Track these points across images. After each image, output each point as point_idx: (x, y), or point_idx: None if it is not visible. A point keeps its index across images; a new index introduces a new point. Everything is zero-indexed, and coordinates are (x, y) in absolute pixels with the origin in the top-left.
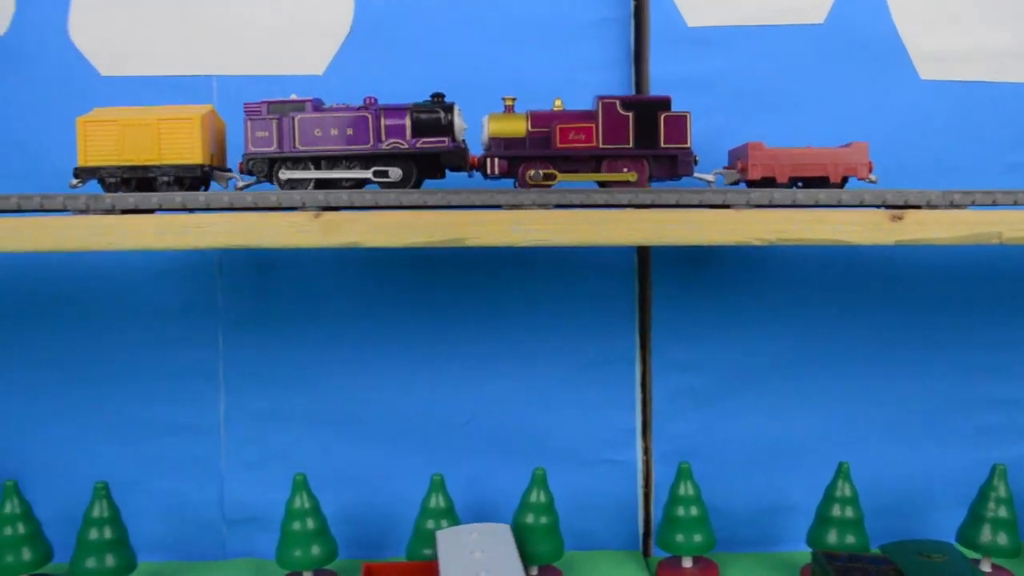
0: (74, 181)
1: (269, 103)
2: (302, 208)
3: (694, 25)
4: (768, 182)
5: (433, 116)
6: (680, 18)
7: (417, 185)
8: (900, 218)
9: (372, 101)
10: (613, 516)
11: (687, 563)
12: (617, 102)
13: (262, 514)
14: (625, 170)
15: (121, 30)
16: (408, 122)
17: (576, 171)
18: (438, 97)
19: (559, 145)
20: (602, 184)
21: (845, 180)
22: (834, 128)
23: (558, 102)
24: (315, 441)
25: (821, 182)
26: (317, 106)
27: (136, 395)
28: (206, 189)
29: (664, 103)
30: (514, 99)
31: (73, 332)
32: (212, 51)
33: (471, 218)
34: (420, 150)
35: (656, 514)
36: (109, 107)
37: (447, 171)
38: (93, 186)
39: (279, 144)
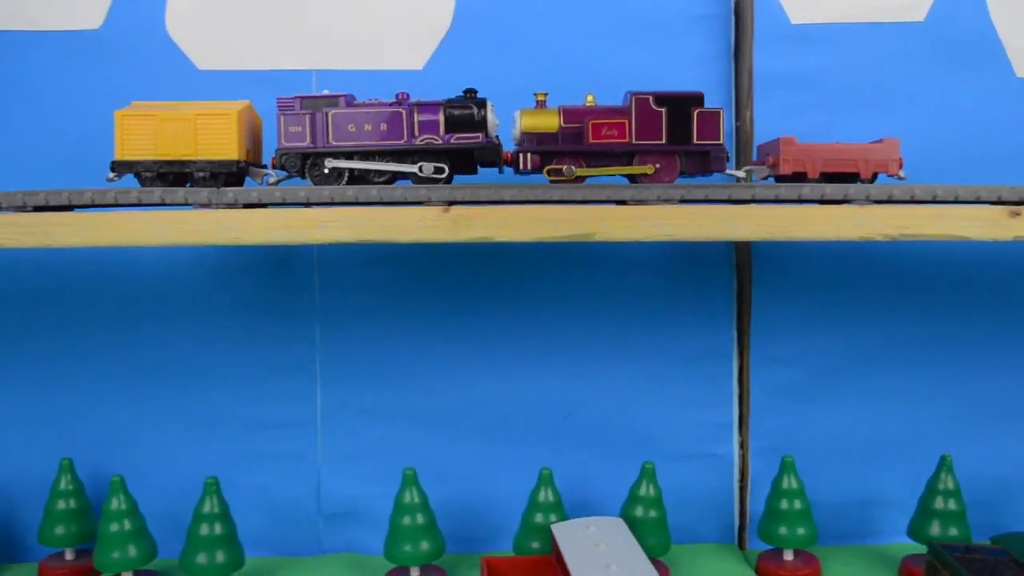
0: (111, 175)
1: (302, 98)
2: (428, 203)
3: (798, 22)
4: (799, 177)
5: (466, 112)
6: (784, 15)
7: (448, 181)
8: (1018, 214)
9: (405, 97)
10: (708, 510)
11: (788, 556)
12: (650, 98)
13: (359, 509)
14: (657, 166)
15: (219, 23)
16: (441, 118)
17: (608, 166)
18: (471, 93)
19: (591, 141)
20: (631, 178)
21: (875, 176)
22: (931, 125)
23: (590, 97)
24: (411, 436)
25: (851, 178)
26: (350, 101)
27: (234, 391)
28: (240, 185)
29: (697, 99)
30: (546, 94)
31: (173, 329)
32: (311, 45)
33: (600, 213)
34: (453, 146)
35: (752, 508)
36: (148, 101)
37: (479, 167)
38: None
39: (312, 139)
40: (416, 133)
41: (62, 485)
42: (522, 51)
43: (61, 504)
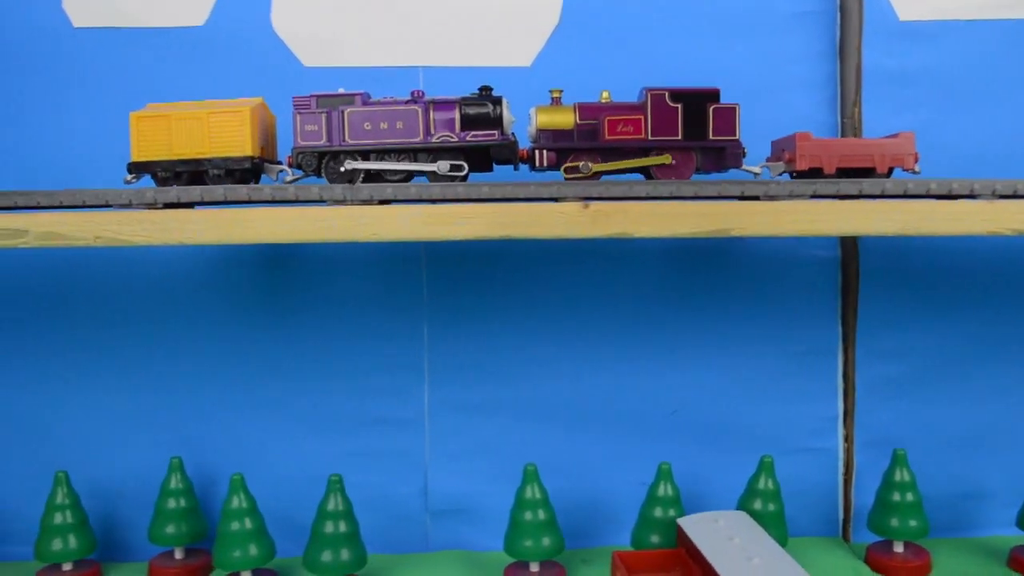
0: (128, 177)
1: (318, 96)
2: (567, 199)
3: (906, 19)
4: (815, 173)
5: (482, 109)
6: (892, 12)
7: (464, 179)
8: None
9: (420, 95)
10: (812, 503)
11: (899, 548)
12: (666, 93)
13: (466, 506)
14: (672, 161)
15: (325, 20)
16: (457, 115)
17: (616, 162)
18: (486, 90)
19: (607, 137)
20: (647, 174)
21: (891, 171)
22: None
23: (605, 94)
24: (518, 432)
25: (867, 173)
26: (366, 100)
27: (342, 389)
28: (256, 182)
29: (713, 95)
30: (560, 91)
31: (281, 326)
32: (418, 41)
33: (736, 208)
34: (469, 143)
35: (856, 500)
36: (161, 103)
37: (495, 165)
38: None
39: (328, 138)
40: (432, 131)
41: (172, 484)
42: (628, 48)
43: (172, 503)
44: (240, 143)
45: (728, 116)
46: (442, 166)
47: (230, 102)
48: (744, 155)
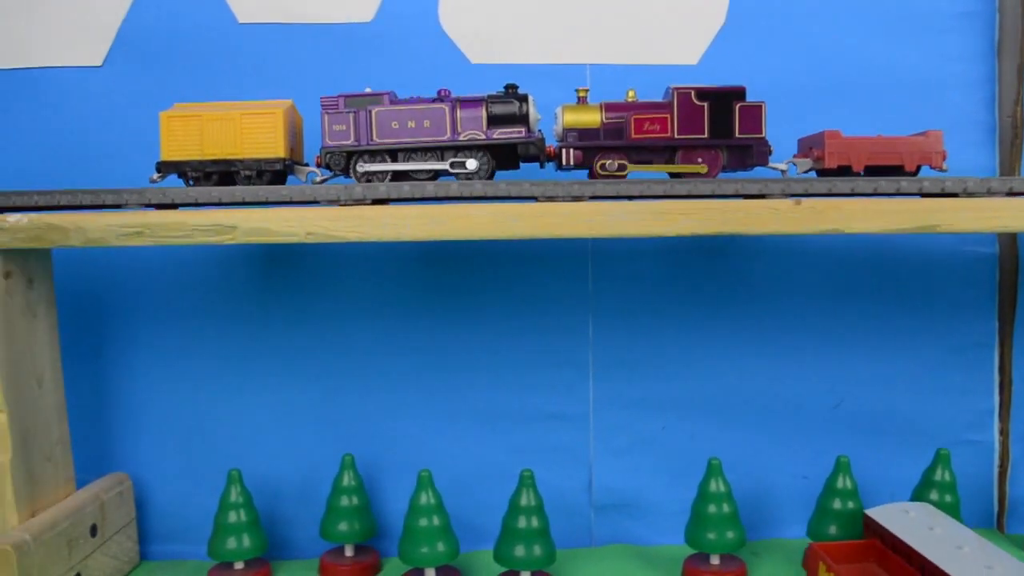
0: (155, 176)
1: (346, 97)
2: (771, 196)
3: None
4: (844, 170)
5: (508, 107)
6: None
7: (491, 176)
8: None
9: (447, 93)
10: (969, 495)
11: None
12: (692, 92)
13: (630, 500)
14: (700, 160)
15: (492, 17)
16: (484, 113)
17: (650, 162)
18: (512, 88)
19: (634, 136)
20: (674, 175)
21: (919, 168)
22: None
23: (631, 93)
24: (682, 427)
25: (896, 171)
26: (393, 99)
27: (508, 385)
28: (283, 183)
29: (739, 93)
30: (587, 89)
31: (448, 323)
32: (585, 39)
33: (941, 205)
34: (496, 141)
35: (1012, 493)
36: (190, 103)
37: (522, 163)
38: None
39: (356, 137)
40: (459, 129)
41: (345, 481)
42: (793, 46)
43: (344, 500)
44: (273, 144)
45: (754, 114)
46: (469, 164)
47: (262, 103)
48: (771, 153)
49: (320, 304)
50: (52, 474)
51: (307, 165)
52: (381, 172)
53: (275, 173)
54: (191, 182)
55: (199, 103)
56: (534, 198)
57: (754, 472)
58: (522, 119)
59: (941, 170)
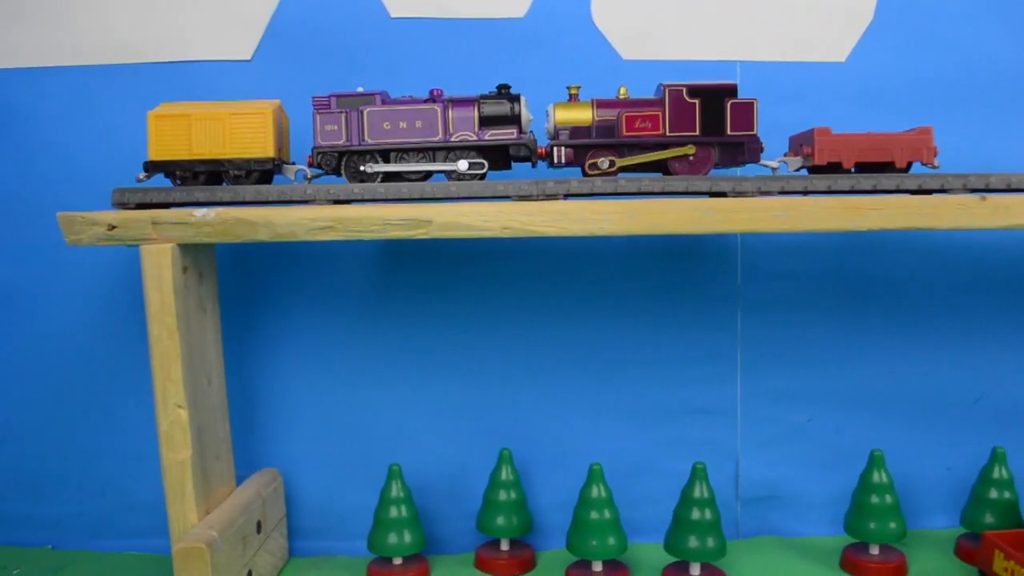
0: (141, 175)
1: (338, 96)
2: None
3: None
4: (834, 167)
5: (500, 108)
6: None
7: (483, 177)
8: None
9: (439, 93)
10: None
11: None
12: (684, 89)
13: (777, 493)
14: (691, 157)
15: (644, 13)
16: (475, 114)
17: (637, 156)
18: (504, 88)
19: (625, 133)
20: (665, 171)
21: (909, 165)
22: None
23: (623, 90)
24: (827, 419)
25: (886, 167)
26: (386, 99)
27: (656, 379)
28: (270, 182)
29: (730, 90)
30: (578, 87)
31: (590, 316)
32: (735, 36)
33: None
34: (488, 142)
35: None
36: (178, 102)
37: (513, 163)
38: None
39: (348, 137)
40: (451, 130)
41: (503, 476)
42: (942, 43)
43: (502, 495)
44: (262, 144)
45: (746, 111)
46: (461, 164)
47: (250, 103)
48: (762, 150)
49: (468, 300)
50: (219, 471)
51: (294, 163)
52: (374, 172)
53: (263, 173)
54: (178, 182)
55: (187, 102)
56: (723, 193)
57: (898, 463)
58: (514, 120)
59: (933, 166)
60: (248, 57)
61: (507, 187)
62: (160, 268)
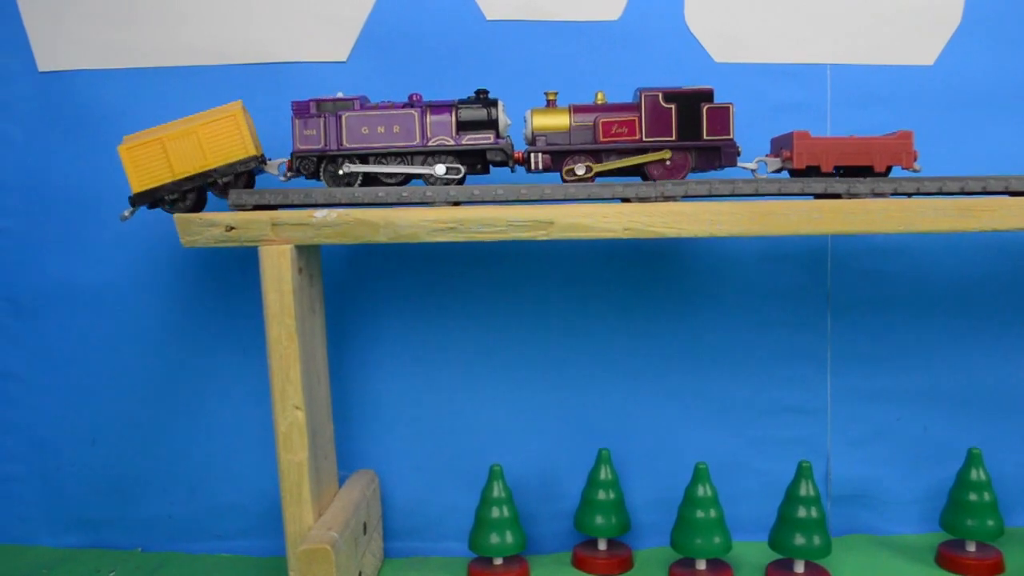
0: (126, 212)
1: (317, 101)
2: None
3: None
4: (813, 171)
5: (477, 113)
6: None
7: (462, 181)
8: None
9: (417, 98)
10: None
11: None
12: (659, 95)
13: (867, 491)
14: (667, 162)
15: (736, 16)
16: (453, 119)
17: (615, 162)
18: (482, 93)
19: (602, 139)
20: (644, 176)
21: (889, 169)
22: None
23: (600, 95)
24: (916, 419)
25: (865, 171)
26: (364, 104)
27: (746, 379)
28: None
29: (707, 95)
30: (556, 93)
31: (681, 316)
32: (825, 39)
33: None
34: (465, 147)
35: None
36: (140, 130)
37: (491, 167)
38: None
39: (326, 142)
40: (428, 134)
41: (602, 475)
42: None
43: (600, 494)
44: (242, 145)
45: (722, 116)
46: (438, 169)
47: (215, 111)
48: (739, 154)
49: (562, 301)
50: (327, 472)
51: (266, 161)
52: (353, 174)
53: (250, 174)
54: (168, 206)
55: (151, 128)
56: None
57: (986, 461)
58: (491, 124)
59: (913, 170)
60: (344, 59)
61: (626, 189)
62: (280, 269)
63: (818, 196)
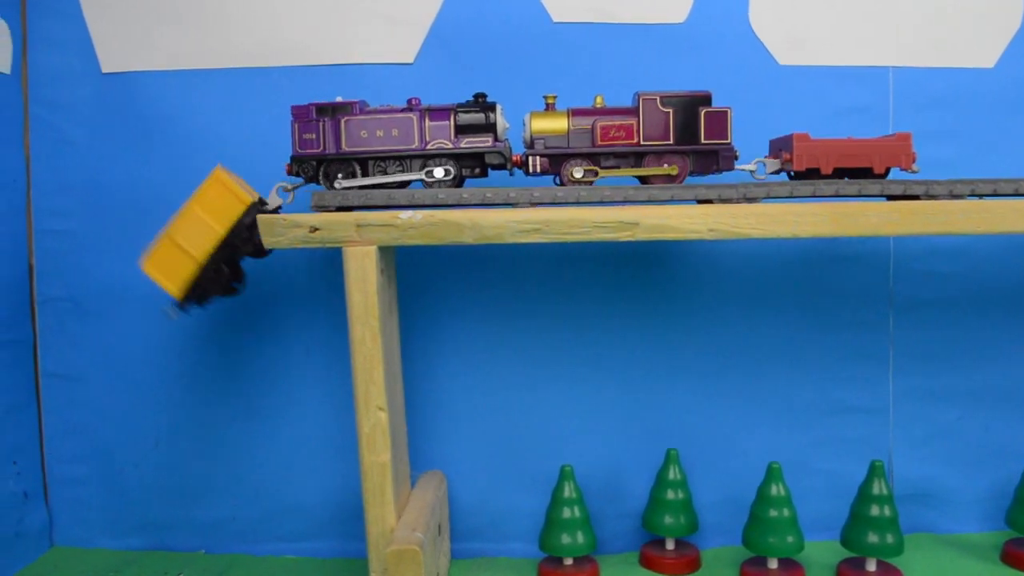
0: (172, 314)
1: (317, 106)
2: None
3: None
4: (812, 173)
5: (476, 117)
6: None
7: (459, 184)
8: None
9: (416, 102)
10: None
11: None
12: (657, 98)
13: (930, 491)
14: (666, 165)
15: (801, 18)
16: (452, 123)
17: (618, 168)
18: (480, 97)
19: (600, 142)
20: (643, 179)
21: (888, 171)
22: None
23: (599, 99)
24: (976, 418)
25: (865, 173)
26: (363, 108)
27: (806, 378)
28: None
29: (704, 99)
30: (555, 96)
31: (744, 314)
32: (887, 41)
33: None
34: (464, 150)
35: None
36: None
37: (490, 170)
38: None
39: (325, 146)
40: (427, 138)
41: (670, 475)
42: None
43: (669, 494)
44: (237, 200)
45: (720, 120)
46: (437, 172)
47: (198, 187)
48: (737, 157)
49: (625, 302)
50: (403, 473)
51: (265, 203)
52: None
53: (254, 219)
54: (205, 295)
55: (155, 237)
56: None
57: None
58: (489, 128)
59: (912, 172)
60: (411, 60)
61: (708, 191)
62: (365, 270)
63: (892, 198)
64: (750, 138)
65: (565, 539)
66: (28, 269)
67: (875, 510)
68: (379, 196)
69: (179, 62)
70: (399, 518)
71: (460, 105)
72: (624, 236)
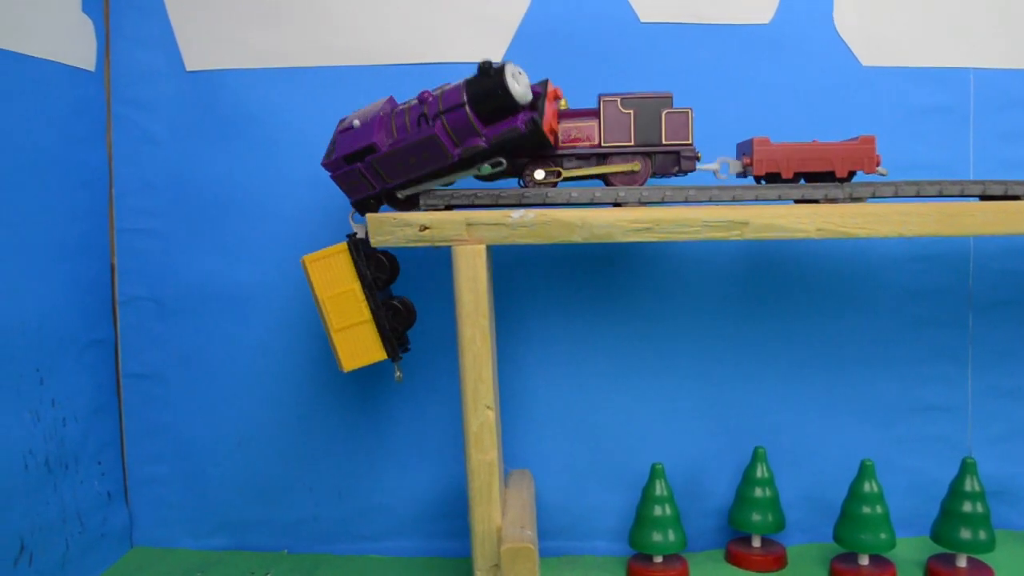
0: (400, 372)
1: (346, 156)
2: None
3: None
4: (773, 177)
5: (491, 95)
6: None
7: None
8: None
9: (428, 96)
10: None
11: None
12: (618, 100)
13: (1008, 488)
14: (639, 167)
15: (885, 20)
16: (469, 114)
17: (580, 168)
18: (485, 64)
19: (561, 144)
20: (605, 178)
21: (852, 174)
22: None
23: (563, 102)
24: None
25: (827, 177)
26: (381, 144)
27: (888, 377)
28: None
29: (665, 100)
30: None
31: (825, 313)
32: (967, 43)
33: None
34: (495, 142)
35: None
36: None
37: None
38: None
39: (374, 187)
40: (456, 141)
41: (758, 473)
42: None
43: (757, 492)
44: (336, 252)
45: (681, 121)
46: (483, 169)
47: (309, 284)
48: (698, 159)
49: (708, 301)
50: (501, 471)
51: (355, 232)
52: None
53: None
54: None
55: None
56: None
57: None
58: (509, 103)
59: (880, 174)
60: (498, 60)
61: (814, 191)
62: (475, 269)
63: (984, 198)
64: (833, 137)
65: (656, 536)
66: (110, 268)
67: (967, 506)
68: (486, 196)
69: (262, 60)
70: (504, 517)
71: (469, 84)
72: (733, 235)
